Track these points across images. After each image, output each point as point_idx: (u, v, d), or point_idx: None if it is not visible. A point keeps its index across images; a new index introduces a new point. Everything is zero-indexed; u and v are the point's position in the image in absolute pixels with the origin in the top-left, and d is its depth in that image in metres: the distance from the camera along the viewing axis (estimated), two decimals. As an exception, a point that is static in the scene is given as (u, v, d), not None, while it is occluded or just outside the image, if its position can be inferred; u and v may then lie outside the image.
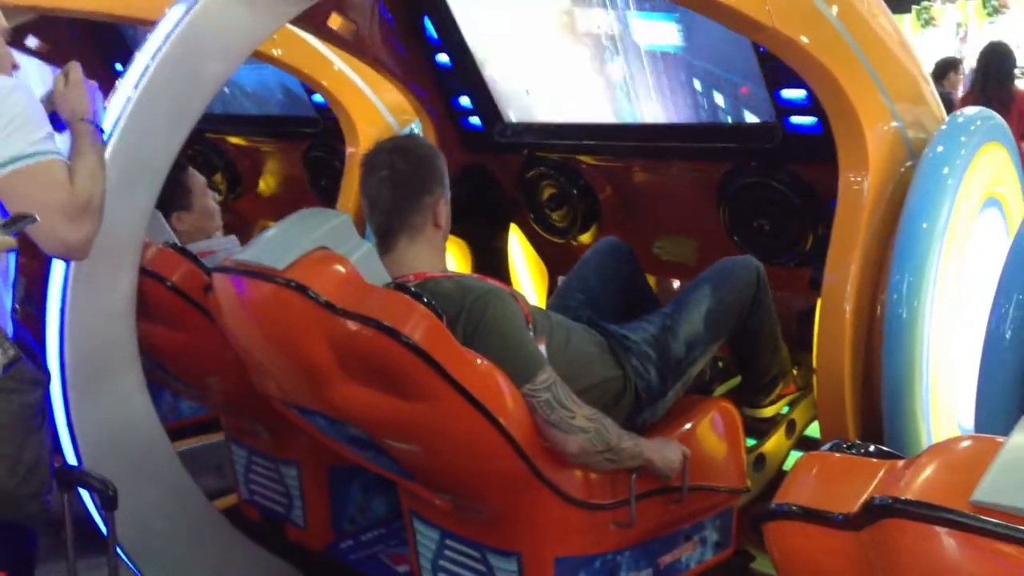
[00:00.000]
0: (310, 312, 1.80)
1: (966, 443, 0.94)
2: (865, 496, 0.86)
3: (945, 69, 7.50)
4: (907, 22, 9.82)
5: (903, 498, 0.83)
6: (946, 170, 2.30)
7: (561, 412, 1.86)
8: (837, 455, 1.01)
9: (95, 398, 2.04)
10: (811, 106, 2.41)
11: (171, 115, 2.11)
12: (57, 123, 1.92)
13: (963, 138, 2.38)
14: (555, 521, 1.95)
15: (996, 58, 5.30)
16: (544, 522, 1.95)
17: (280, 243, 1.96)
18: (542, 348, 1.98)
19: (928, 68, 8.91)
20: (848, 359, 2.29)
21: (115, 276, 2.02)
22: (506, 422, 1.79)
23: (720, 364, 2.71)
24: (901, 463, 0.92)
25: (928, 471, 0.87)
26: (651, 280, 3.20)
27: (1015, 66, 5.37)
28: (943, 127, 2.42)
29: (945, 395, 2.31)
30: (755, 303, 2.41)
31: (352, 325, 1.76)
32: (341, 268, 1.86)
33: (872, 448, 1.00)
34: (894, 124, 2.40)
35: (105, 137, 2.02)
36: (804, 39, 2.14)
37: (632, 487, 1.97)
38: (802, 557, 0.94)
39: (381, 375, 1.78)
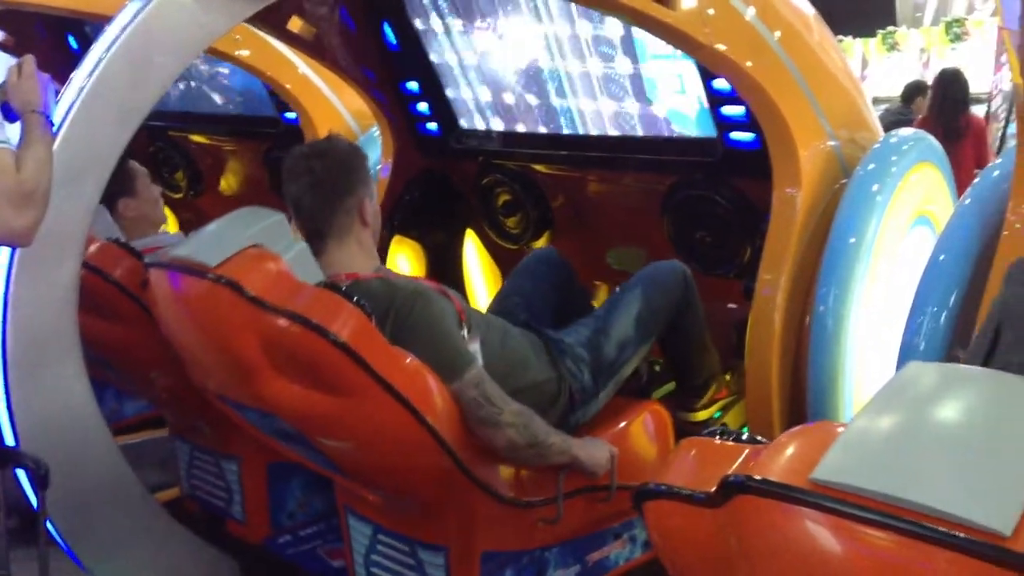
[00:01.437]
0: (241, 308, 1.84)
1: (818, 428, 1.01)
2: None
3: (913, 93, 7.66)
4: (872, 46, 10.01)
5: (753, 476, 0.90)
6: (875, 188, 2.39)
7: (489, 408, 1.91)
8: (714, 440, 1.07)
9: (35, 383, 2.07)
10: (750, 123, 2.49)
11: (121, 108, 2.14)
12: (9, 114, 1.96)
13: (894, 157, 2.47)
14: (482, 517, 1.99)
15: (948, 85, 5.44)
16: (471, 517, 1.99)
17: (215, 240, 2.01)
18: (475, 346, 2.03)
19: (891, 93, 9.09)
20: (776, 365, 2.37)
21: (58, 265, 2.05)
22: (433, 419, 1.84)
23: (657, 368, 2.77)
24: (763, 447, 0.99)
25: (780, 453, 0.94)
26: (602, 288, 3.28)
27: (967, 92, 5.51)
28: (875, 146, 2.51)
29: (867, 400, 2.39)
30: (683, 304, 2.48)
31: (282, 322, 1.80)
32: (273, 266, 1.90)
33: (744, 435, 1.06)
34: (829, 143, 2.48)
35: (56, 128, 2.06)
36: (741, 58, 2.22)
37: (560, 484, 2.02)
38: (674, 534, 1.01)
39: (310, 372, 1.83)
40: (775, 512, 0.87)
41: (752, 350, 2.42)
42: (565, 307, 2.63)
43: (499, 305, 2.61)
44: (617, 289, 2.60)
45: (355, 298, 1.80)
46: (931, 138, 2.66)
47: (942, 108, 5.38)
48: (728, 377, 2.71)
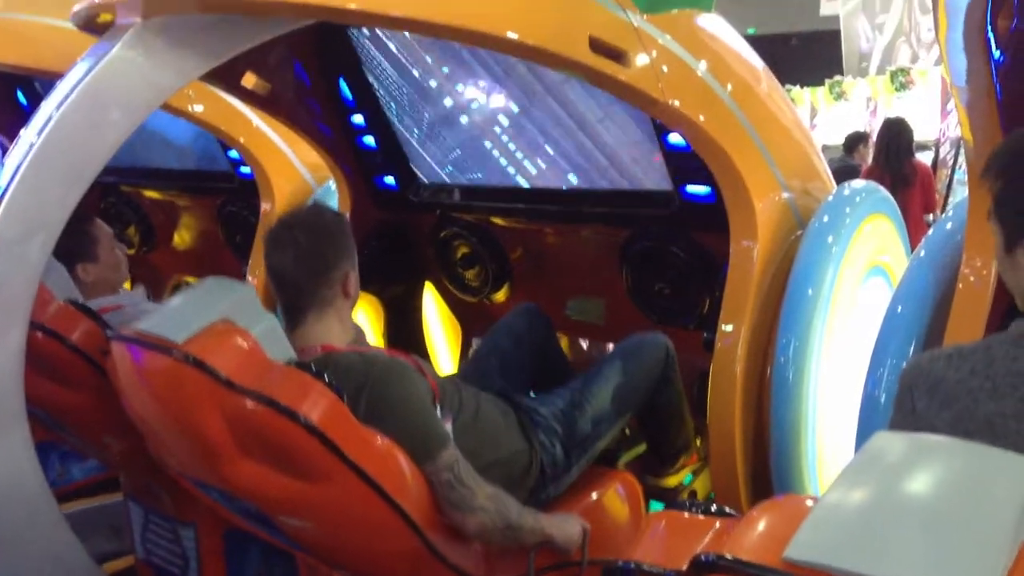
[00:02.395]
0: (208, 388, 1.78)
1: (789, 502, 0.99)
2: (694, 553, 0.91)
3: (855, 142, 7.86)
4: (820, 95, 10.25)
5: (725, 555, 0.88)
6: (830, 239, 2.42)
7: (461, 491, 1.87)
8: (683, 513, 1.05)
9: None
10: (705, 175, 2.51)
11: (71, 169, 2.09)
12: None
13: (848, 209, 2.50)
14: (452, 597, 1.95)
15: (893, 134, 5.58)
16: (440, 598, 1.94)
17: (182, 314, 1.94)
18: (448, 425, 2.00)
19: (840, 141, 9.30)
20: (739, 416, 2.36)
21: (3, 333, 1.98)
22: (404, 502, 1.80)
23: (626, 431, 2.75)
24: (734, 521, 0.97)
25: (752, 529, 0.93)
26: (563, 340, 3.27)
27: (911, 141, 5.65)
28: (829, 199, 2.54)
29: (831, 453, 2.40)
30: (663, 380, 2.46)
31: (250, 403, 1.74)
32: (242, 342, 1.84)
33: (713, 507, 1.05)
34: (783, 195, 2.51)
35: (2, 190, 2.00)
36: (695, 114, 2.24)
37: (531, 563, 1.98)
38: (645, 613, 0.99)
39: (278, 454, 1.78)
40: (749, 591, 0.86)
41: (714, 402, 2.41)
42: (543, 368, 2.61)
43: (476, 364, 2.57)
44: (584, 345, 2.60)
45: (326, 377, 1.75)
46: (883, 190, 2.70)
47: (888, 157, 5.51)
48: (699, 443, 2.70)
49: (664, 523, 1.05)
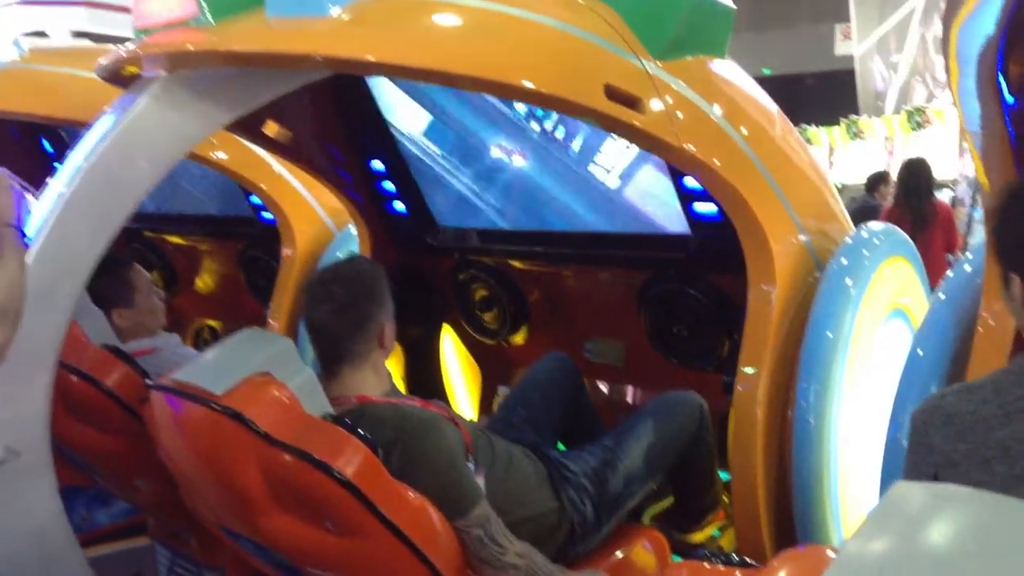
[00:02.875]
0: (245, 440, 1.81)
1: (810, 553, 0.99)
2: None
3: (876, 182, 7.86)
4: (837, 134, 10.28)
5: (743, 606, 0.89)
6: (849, 281, 2.41)
7: (492, 548, 1.88)
8: (704, 564, 1.05)
9: (4, 500, 2.01)
10: (722, 219, 2.52)
11: (99, 216, 2.13)
12: None
13: (866, 251, 2.50)
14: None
15: (913, 174, 5.58)
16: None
17: (221, 366, 1.98)
18: (481, 480, 2.01)
19: (860, 180, 9.33)
20: (760, 462, 2.35)
21: (30, 382, 2.00)
22: (435, 558, 1.81)
23: (654, 486, 2.74)
24: (755, 571, 0.97)
25: (772, 578, 0.93)
26: (587, 384, 3.26)
27: (931, 181, 5.64)
28: (848, 241, 2.55)
29: (854, 498, 2.37)
30: (696, 440, 2.47)
31: (286, 457, 1.77)
32: (280, 396, 1.87)
33: (734, 557, 1.05)
34: (800, 238, 2.51)
35: (30, 238, 2.04)
36: (709, 158, 2.26)
37: None
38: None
39: (312, 508, 1.80)
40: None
41: (735, 446, 2.40)
42: (573, 421, 2.61)
43: (504, 415, 2.58)
44: (603, 388, 2.59)
45: (361, 432, 1.77)
46: (901, 232, 2.70)
47: (908, 197, 5.51)
48: (727, 499, 2.68)
49: (685, 574, 1.05)
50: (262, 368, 1.89)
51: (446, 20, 2.16)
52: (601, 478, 2.27)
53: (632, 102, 2.13)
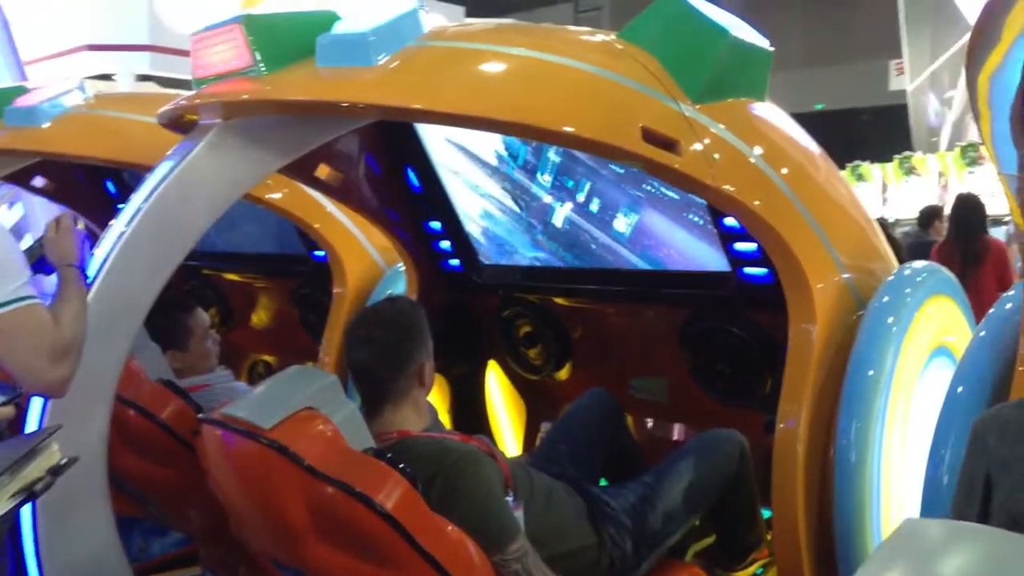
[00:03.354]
0: (291, 473, 1.88)
1: None
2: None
3: (930, 217, 7.76)
4: (890, 171, 10.20)
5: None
6: (891, 319, 2.42)
7: None
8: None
9: (63, 530, 2.10)
10: (762, 258, 2.55)
11: (156, 256, 2.25)
12: (46, 267, 2.06)
13: (908, 289, 2.50)
14: None
15: (965, 211, 5.51)
16: None
17: (269, 401, 2.06)
18: (520, 513, 2.05)
19: (911, 215, 9.17)
20: (801, 499, 2.34)
21: (89, 416, 2.10)
22: None
23: (696, 523, 2.75)
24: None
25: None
26: (628, 419, 3.29)
27: (984, 217, 5.57)
28: (890, 279, 2.55)
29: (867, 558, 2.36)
30: (737, 479, 2.48)
31: (329, 489, 1.83)
32: (324, 430, 1.94)
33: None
34: (841, 276, 2.52)
35: (91, 279, 2.15)
36: (748, 199, 2.29)
37: None
38: None
39: (355, 539, 1.86)
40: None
41: (777, 484, 2.40)
42: (614, 458, 2.63)
43: (546, 450, 2.62)
44: (648, 423, 2.60)
45: (401, 466, 1.83)
46: (944, 270, 2.70)
47: (959, 233, 5.44)
48: (770, 537, 2.68)
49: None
50: (308, 403, 1.97)
51: (489, 68, 2.25)
52: (640, 515, 2.29)
53: (669, 144, 2.18)
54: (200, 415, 2.20)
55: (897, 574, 0.91)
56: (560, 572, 2.00)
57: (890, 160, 10.29)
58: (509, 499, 2.02)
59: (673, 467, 2.43)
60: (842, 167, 11.81)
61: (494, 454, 2.09)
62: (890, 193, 10.14)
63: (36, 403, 2.12)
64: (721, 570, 2.60)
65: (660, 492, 2.35)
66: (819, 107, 20.70)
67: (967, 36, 1.62)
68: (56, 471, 1.61)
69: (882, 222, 7.51)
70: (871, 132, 18.33)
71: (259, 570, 2.47)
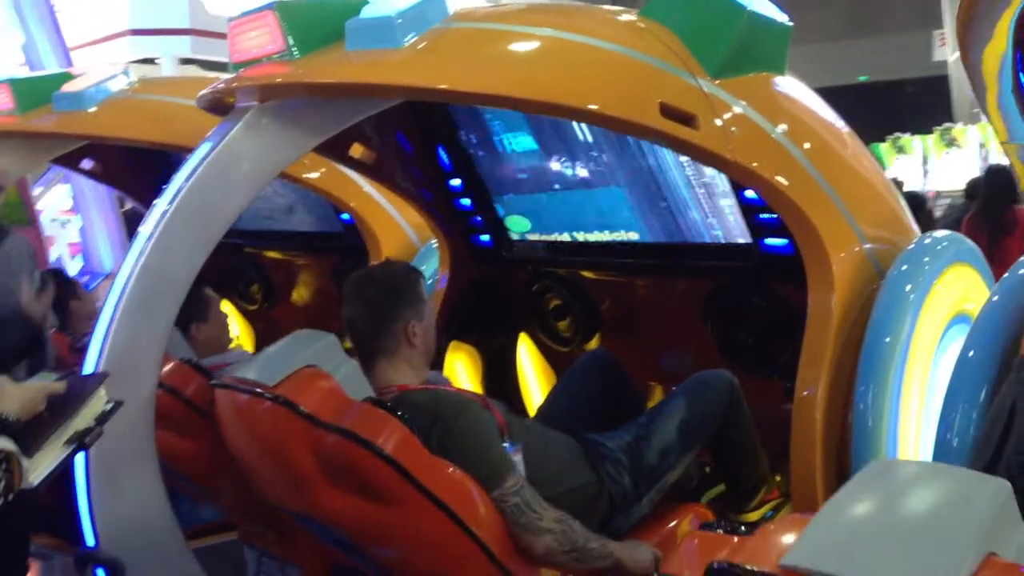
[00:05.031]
0: (296, 425, 2.01)
1: (795, 519, 1.10)
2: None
3: (977, 188, 7.67)
4: (931, 143, 10.07)
5: (734, 563, 1.00)
6: (909, 287, 2.46)
7: (529, 515, 2.02)
8: (713, 532, 1.17)
9: (115, 490, 2.24)
10: (783, 229, 2.60)
11: (197, 233, 2.36)
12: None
13: (927, 258, 2.54)
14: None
15: (997, 181, 5.47)
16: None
17: (273, 361, 2.21)
18: (518, 458, 2.14)
19: (954, 186, 9.06)
20: (820, 464, 2.41)
21: (137, 383, 2.23)
22: (475, 526, 1.96)
23: (707, 470, 2.83)
24: (751, 535, 1.09)
25: (763, 542, 1.04)
26: (656, 389, 3.37)
27: (1015, 189, 5.52)
28: (909, 248, 2.59)
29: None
30: (730, 414, 2.54)
31: (332, 437, 1.96)
32: (325, 384, 2.08)
33: (742, 528, 1.16)
34: (862, 247, 2.56)
35: (140, 249, 2.28)
36: (766, 172, 2.35)
37: None
38: (674, 621, 1.10)
39: (360, 483, 1.96)
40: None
41: (795, 449, 2.47)
42: (616, 410, 2.71)
43: (548, 407, 2.72)
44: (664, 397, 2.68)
45: (400, 413, 1.93)
46: (966, 239, 2.73)
47: (988, 204, 5.41)
48: (779, 478, 2.75)
49: (696, 541, 1.17)
50: (310, 362, 2.10)
51: (513, 48, 2.33)
52: (636, 451, 2.38)
53: (686, 119, 2.24)
54: (212, 381, 2.33)
55: (859, 507, 0.99)
56: (563, 510, 2.09)
57: (930, 132, 10.16)
58: (506, 445, 2.12)
59: (665, 406, 2.52)
60: (882, 139, 11.68)
61: (488, 404, 2.20)
62: (931, 165, 10.03)
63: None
64: (732, 513, 2.66)
65: (654, 429, 2.43)
66: (862, 78, 20.40)
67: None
68: (103, 418, 1.72)
69: (918, 196, 7.46)
70: (914, 103, 18.03)
71: (289, 538, 2.61)
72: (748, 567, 0.97)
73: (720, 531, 1.18)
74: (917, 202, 6.84)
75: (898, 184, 7.94)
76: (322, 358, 2.15)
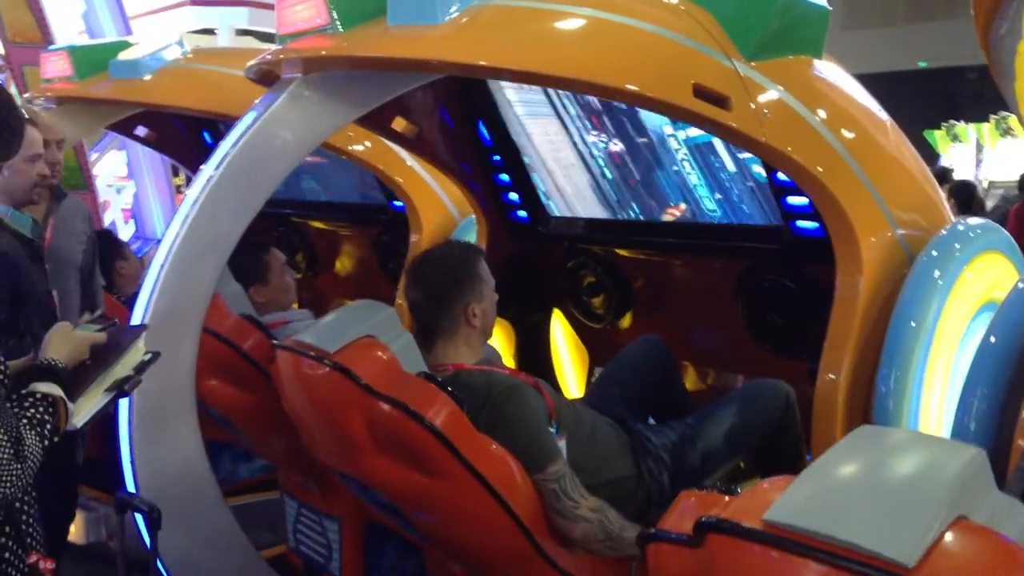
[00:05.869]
0: (351, 392, 2.10)
1: (781, 480, 1.15)
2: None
3: (1030, 179, 7.54)
4: (985, 131, 9.88)
5: (719, 518, 1.05)
6: (937, 273, 2.47)
7: (566, 502, 2.08)
8: (706, 492, 1.23)
9: (155, 442, 2.36)
10: (813, 212, 2.62)
11: (241, 198, 2.46)
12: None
13: (957, 245, 2.54)
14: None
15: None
16: (547, 600, 2.13)
17: (334, 329, 2.30)
18: (563, 443, 2.21)
19: (1009, 177, 8.88)
20: (840, 445, 2.44)
21: (180, 340, 2.35)
22: (514, 504, 2.03)
23: (742, 465, 2.85)
24: (741, 494, 1.14)
25: (750, 500, 1.09)
26: (687, 368, 3.41)
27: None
28: (940, 234, 2.59)
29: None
30: (781, 426, 2.57)
31: (384, 406, 2.05)
32: (382, 355, 2.17)
33: (737, 489, 1.21)
34: (893, 232, 2.57)
35: (187, 212, 2.38)
36: (798, 155, 2.37)
37: (632, 573, 2.15)
38: (666, 572, 1.16)
39: (406, 452, 2.05)
40: (736, 548, 1.03)
41: (817, 430, 2.50)
42: (662, 400, 2.76)
43: (598, 391, 2.77)
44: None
45: (449, 389, 2.01)
46: (1001, 229, 2.72)
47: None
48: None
49: (692, 500, 1.23)
50: (369, 332, 2.18)
51: (551, 26, 2.37)
52: (679, 452, 2.42)
53: (720, 100, 2.27)
54: (274, 342, 2.43)
55: (840, 469, 1.04)
56: (600, 498, 2.15)
57: (986, 120, 9.95)
58: (552, 429, 2.18)
59: (716, 411, 2.54)
60: (938, 126, 11.46)
61: (540, 387, 2.25)
62: (985, 154, 9.83)
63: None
64: None
65: (701, 433, 2.47)
66: (922, 64, 19.96)
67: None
68: (141, 368, 1.83)
69: (969, 184, 7.33)
70: (974, 91, 17.62)
71: (331, 491, 2.71)
72: (735, 522, 1.03)
73: (711, 491, 1.23)
74: (968, 191, 6.74)
75: (946, 173, 7.82)
76: (380, 330, 2.23)
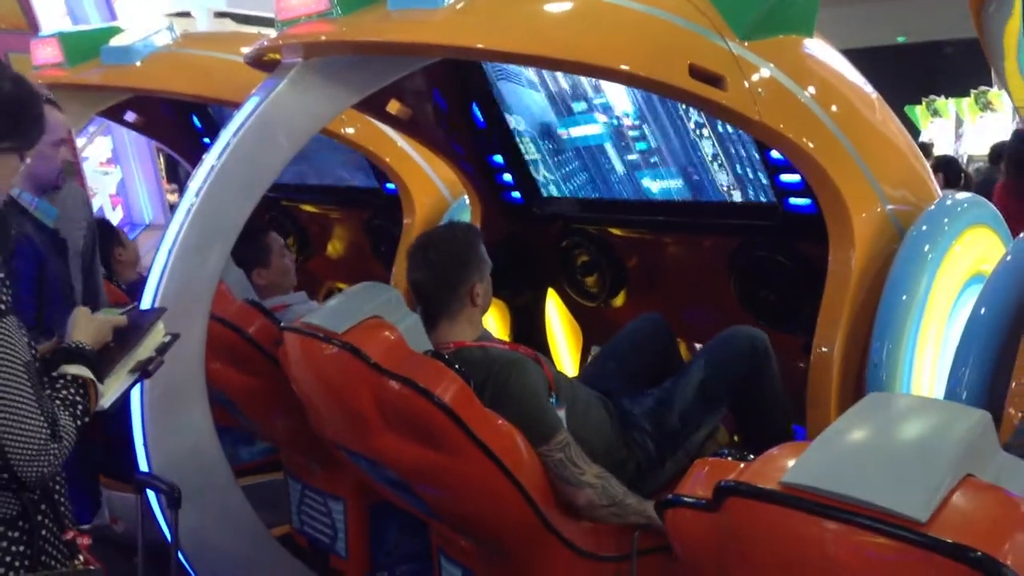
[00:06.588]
0: (360, 370, 2.15)
1: (797, 444, 1.21)
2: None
3: (1001, 152, 7.63)
4: (965, 106, 9.98)
5: (739, 480, 1.11)
6: (927, 247, 2.53)
7: (572, 469, 2.14)
8: (722, 459, 1.28)
9: (167, 423, 2.40)
10: (806, 189, 2.68)
11: (243, 186, 2.49)
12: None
13: (946, 219, 2.61)
14: (562, 569, 2.20)
15: (1021, 145, 5.43)
16: (552, 569, 2.20)
17: (341, 311, 2.35)
18: (562, 413, 2.26)
19: (986, 151, 8.96)
20: (834, 418, 2.49)
21: (189, 322, 2.38)
22: (520, 476, 2.09)
23: (735, 438, 2.88)
24: (753, 461, 1.20)
25: (767, 464, 1.15)
26: (682, 344, 3.47)
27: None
28: (929, 209, 2.66)
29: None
30: (755, 371, 2.59)
31: (393, 384, 2.10)
32: (390, 335, 2.22)
33: (750, 456, 1.27)
34: (883, 208, 2.63)
35: (191, 201, 2.41)
36: (791, 132, 2.42)
37: (635, 543, 2.21)
38: (685, 536, 1.22)
39: (415, 428, 2.10)
40: (754, 509, 1.08)
41: (811, 403, 2.56)
42: (661, 376, 2.79)
43: (596, 367, 2.81)
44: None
45: (456, 366, 2.05)
46: (987, 202, 2.78)
47: (1019, 167, 5.38)
48: None
49: (708, 467, 1.29)
50: (375, 313, 2.23)
51: (547, 8, 2.40)
52: (658, 417, 2.48)
53: (715, 80, 2.31)
54: (283, 324, 2.47)
55: (854, 433, 1.10)
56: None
57: (967, 95, 10.06)
58: (552, 400, 2.24)
59: (688, 369, 2.60)
60: (919, 101, 11.56)
61: (539, 360, 2.31)
62: (965, 128, 9.94)
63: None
64: None
65: (675, 394, 2.52)
66: (901, 40, 20.05)
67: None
68: (162, 349, 1.87)
69: (955, 160, 7.42)
70: (953, 66, 17.73)
71: (335, 472, 2.76)
72: (754, 484, 1.08)
73: (729, 459, 1.29)
74: (956, 167, 6.82)
75: (926, 148, 7.91)
76: (386, 310, 2.29)
